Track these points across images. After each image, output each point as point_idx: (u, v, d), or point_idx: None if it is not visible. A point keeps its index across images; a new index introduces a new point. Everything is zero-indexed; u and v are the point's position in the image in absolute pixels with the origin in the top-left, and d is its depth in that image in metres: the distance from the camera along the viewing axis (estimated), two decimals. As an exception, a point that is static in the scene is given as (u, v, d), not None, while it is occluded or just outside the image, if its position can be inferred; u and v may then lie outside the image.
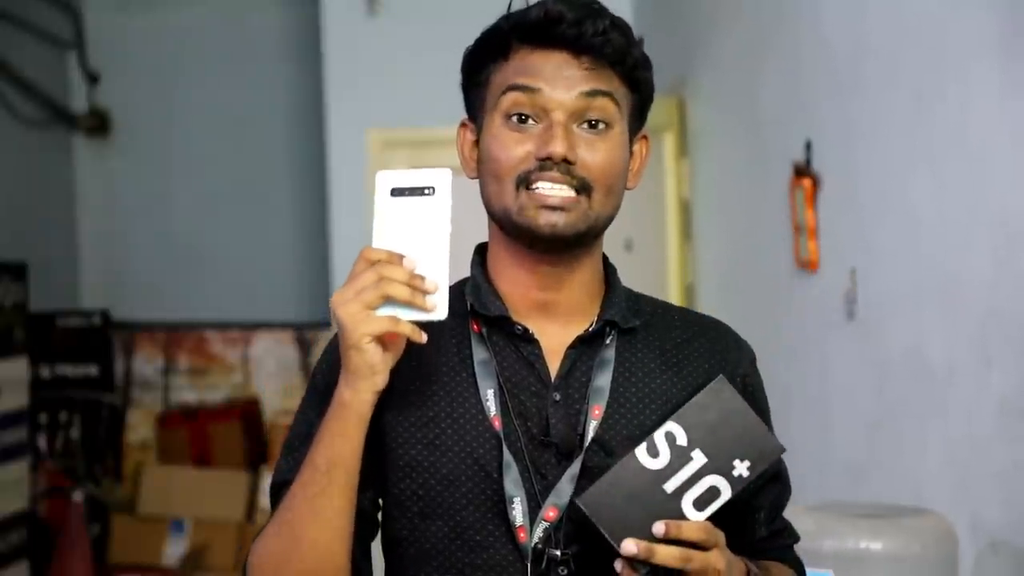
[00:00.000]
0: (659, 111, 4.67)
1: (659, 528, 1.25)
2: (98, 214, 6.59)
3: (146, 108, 6.52)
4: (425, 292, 1.24)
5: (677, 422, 1.28)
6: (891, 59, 2.67)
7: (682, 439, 1.27)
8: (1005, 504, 2.22)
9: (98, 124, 6.51)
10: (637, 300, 1.48)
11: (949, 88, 2.40)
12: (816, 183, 3.10)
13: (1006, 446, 2.21)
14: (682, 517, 1.26)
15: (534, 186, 1.35)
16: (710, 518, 1.29)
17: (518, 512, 1.34)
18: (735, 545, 1.43)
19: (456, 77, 1.46)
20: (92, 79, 6.49)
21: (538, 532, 1.34)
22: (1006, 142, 2.19)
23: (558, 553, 1.34)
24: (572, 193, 1.35)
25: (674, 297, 4.65)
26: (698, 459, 1.27)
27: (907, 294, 2.61)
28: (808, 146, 3.15)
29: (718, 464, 1.28)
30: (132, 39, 6.47)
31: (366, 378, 1.25)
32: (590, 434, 1.36)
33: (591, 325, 1.42)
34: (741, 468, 1.28)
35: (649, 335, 1.45)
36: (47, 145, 6.37)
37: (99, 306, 6.29)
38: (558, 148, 1.33)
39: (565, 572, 1.35)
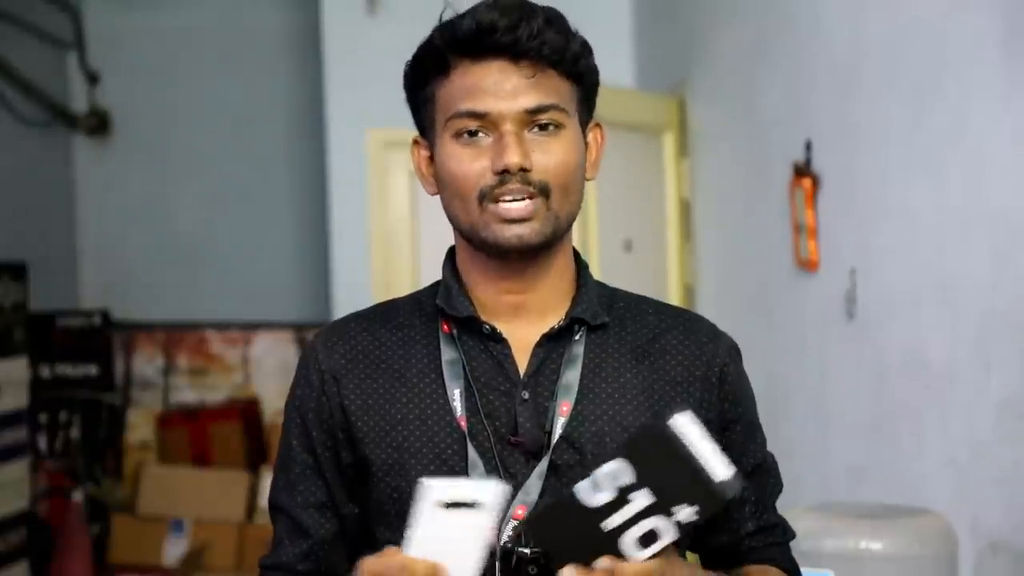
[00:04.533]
0: (659, 111, 4.69)
1: (602, 563, 1.23)
2: (98, 214, 6.60)
3: (146, 108, 6.52)
4: None
5: (622, 461, 1.23)
6: (891, 59, 2.67)
7: (625, 478, 1.23)
8: (1005, 505, 2.22)
9: (98, 124, 6.51)
10: (611, 296, 1.48)
11: (949, 88, 2.40)
12: (816, 183, 3.10)
13: (1006, 447, 2.21)
14: (620, 554, 1.24)
15: (497, 201, 1.35)
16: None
17: None
18: (721, 542, 1.43)
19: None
20: (92, 79, 6.49)
21: (506, 530, 1.34)
22: (1006, 142, 2.19)
23: (527, 551, 1.34)
24: (533, 201, 1.35)
25: (674, 297, 4.65)
26: (641, 500, 1.23)
27: (907, 294, 2.61)
28: (808, 146, 3.15)
29: (661, 507, 1.23)
30: (132, 39, 6.47)
31: None
32: (558, 431, 1.36)
33: (558, 322, 1.41)
34: (686, 512, 1.23)
35: (622, 330, 1.44)
36: (47, 145, 6.37)
37: (99, 306, 6.29)
38: (513, 158, 1.33)
39: (535, 571, 1.35)
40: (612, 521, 1.24)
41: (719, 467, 1.24)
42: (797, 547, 2.11)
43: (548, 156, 1.35)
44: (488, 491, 1.21)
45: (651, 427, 1.26)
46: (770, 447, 1.48)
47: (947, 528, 2.19)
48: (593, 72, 1.41)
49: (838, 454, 3.03)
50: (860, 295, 2.85)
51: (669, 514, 1.24)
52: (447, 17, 1.39)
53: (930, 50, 2.48)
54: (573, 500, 1.25)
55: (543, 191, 1.35)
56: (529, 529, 1.29)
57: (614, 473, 1.24)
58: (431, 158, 1.42)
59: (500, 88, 1.34)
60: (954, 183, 2.38)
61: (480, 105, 1.35)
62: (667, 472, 1.23)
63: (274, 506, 1.45)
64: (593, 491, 1.25)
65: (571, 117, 1.38)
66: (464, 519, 1.21)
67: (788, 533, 1.49)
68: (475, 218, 1.37)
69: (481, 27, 1.34)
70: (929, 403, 2.51)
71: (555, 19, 1.36)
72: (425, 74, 1.40)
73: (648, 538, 1.24)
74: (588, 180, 1.43)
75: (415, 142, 1.45)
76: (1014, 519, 2.19)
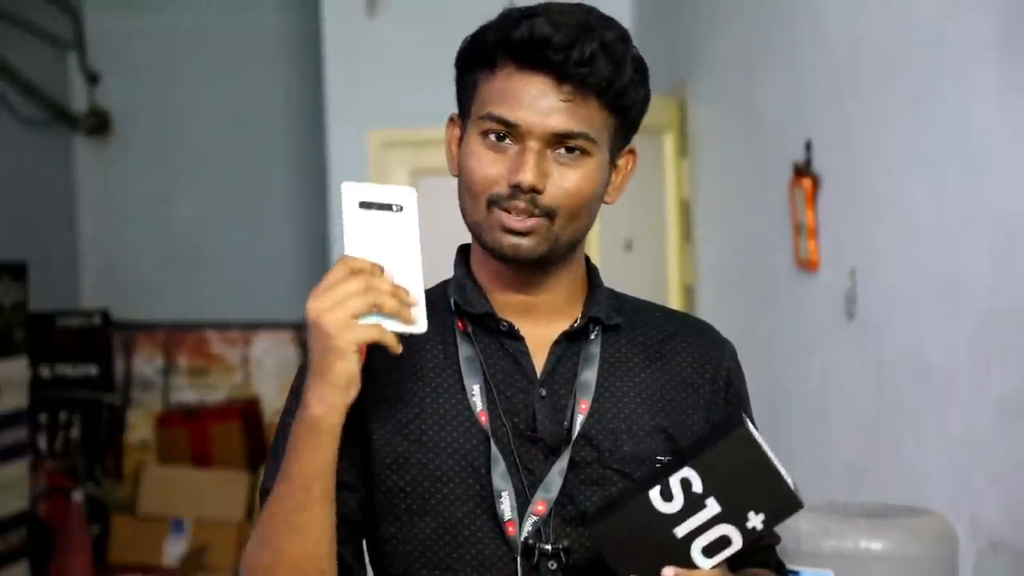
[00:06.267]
0: (659, 111, 4.68)
1: (668, 573, 1.25)
2: (98, 214, 6.60)
3: (146, 108, 6.53)
4: (408, 304, 1.24)
5: (694, 468, 1.25)
6: (890, 59, 2.67)
7: (697, 486, 1.25)
8: (1005, 504, 2.22)
9: (98, 124, 6.51)
10: (619, 299, 1.50)
11: (948, 88, 2.40)
12: (816, 183, 3.10)
13: (1006, 446, 2.21)
14: (690, 562, 1.26)
15: (501, 209, 1.35)
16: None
17: (506, 506, 1.35)
18: None
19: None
20: (92, 79, 6.49)
21: (527, 526, 1.35)
22: (1006, 142, 2.19)
23: (548, 547, 1.35)
24: (535, 220, 1.35)
25: (674, 297, 4.65)
26: (712, 507, 1.25)
27: (907, 294, 2.61)
28: (808, 146, 3.15)
29: (732, 514, 1.25)
30: (132, 39, 6.48)
31: (341, 390, 1.23)
32: (577, 428, 1.37)
33: (576, 321, 1.43)
34: (755, 520, 1.25)
35: (633, 331, 1.46)
36: (47, 145, 6.37)
37: (99, 306, 6.29)
38: (527, 177, 1.33)
39: (555, 566, 1.35)
40: (685, 527, 1.26)
41: (788, 476, 1.26)
42: (797, 547, 2.11)
43: (564, 181, 1.35)
44: (405, 194, 1.26)
45: (731, 432, 1.26)
46: (770, 447, 1.49)
47: (947, 528, 2.18)
48: (639, 104, 1.40)
49: (838, 454, 3.03)
50: (860, 295, 2.85)
51: (741, 521, 1.25)
52: (504, 16, 1.37)
53: (929, 50, 2.48)
54: (647, 504, 1.26)
55: (547, 214, 1.35)
56: (596, 531, 1.28)
57: (685, 480, 1.25)
58: (461, 139, 1.42)
59: (536, 104, 1.34)
60: (954, 182, 2.38)
61: (511, 115, 1.34)
62: (740, 479, 1.25)
63: (266, 491, 1.39)
64: (664, 498, 1.26)
65: (599, 147, 1.37)
66: (389, 221, 1.25)
67: (775, 536, 1.50)
68: (480, 219, 1.38)
69: (534, 39, 1.33)
70: (929, 403, 2.51)
71: (612, 45, 1.34)
72: (473, 62, 1.39)
73: (716, 546, 1.26)
74: (607, 203, 1.44)
75: (451, 119, 1.45)
76: (1014, 518, 2.19)
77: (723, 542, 1.26)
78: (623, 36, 1.37)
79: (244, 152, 6.48)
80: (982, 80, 2.26)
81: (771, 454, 1.26)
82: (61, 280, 6.39)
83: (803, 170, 3.17)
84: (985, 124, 2.26)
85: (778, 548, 1.52)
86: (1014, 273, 2.16)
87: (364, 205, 1.24)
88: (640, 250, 4.64)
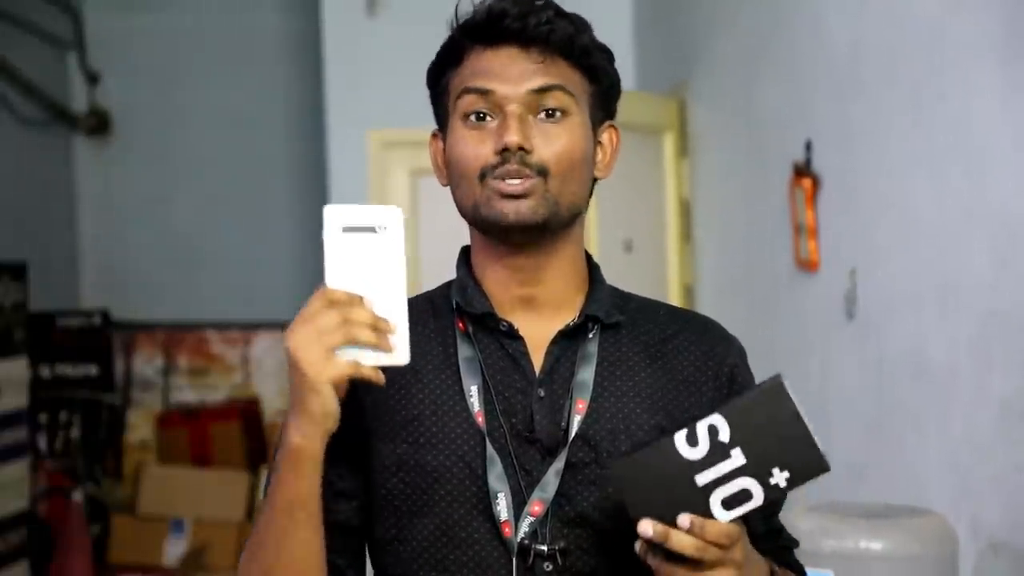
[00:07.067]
0: (659, 111, 4.69)
1: (684, 521, 1.23)
2: (98, 214, 6.60)
3: (146, 108, 6.53)
4: (388, 334, 1.22)
5: (724, 416, 1.22)
6: (891, 59, 2.67)
7: (724, 435, 1.22)
8: (1005, 505, 2.22)
9: (98, 124, 6.51)
10: (623, 297, 1.50)
11: (949, 88, 2.40)
12: (816, 183, 3.11)
13: (1007, 447, 2.21)
14: (708, 513, 1.23)
15: (495, 178, 1.37)
16: None
17: (503, 507, 1.34)
18: None
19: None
20: (92, 79, 6.50)
21: (524, 527, 1.34)
22: (1006, 142, 2.19)
23: (544, 548, 1.34)
24: (530, 180, 1.36)
25: (674, 297, 4.65)
26: (737, 458, 1.22)
27: (907, 294, 2.61)
28: (808, 146, 3.15)
29: (756, 468, 1.22)
30: (132, 39, 6.48)
31: (319, 423, 1.23)
32: (574, 429, 1.37)
33: (573, 320, 1.42)
34: (779, 477, 1.22)
35: (634, 330, 1.45)
36: (47, 145, 6.37)
37: (99, 306, 6.29)
38: (513, 137, 1.35)
39: (550, 567, 1.35)
40: (707, 475, 1.23)
41: (818, 437, 1.23)
42: (798, 547, 2.11)
43: (550, 141, 1.37)
44: (389, 214, 1.23)
45: (766, 384, 1.24)
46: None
47: (947, 528, 2.19)
48: (609, 75, 1.43)
49: (838, 454, 3.02)
50: (860, 295, 2.86)
51: (765, 477, 1.23)
52: (463, 12, 1.42)
53: (930, 50, 2.48)
54: (671, 448, 1.23)
55: (541, 172, 1.36)
56: (616, 469, 1.27)
57: (712, 428, 1.23)
58: (445, 150, 1.44)
59: (507, 71, 1.38)
60: (954, 183, 2.38)
61: (487, 83, 1.37)
62: (769, 432, 1.22)
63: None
64: (689, 443, 1.23)
65: (579, 105, 1.40)
66: (372, 244, 1.23)
67: (792, 540, 1.50)
68: (477, 196, 1.38)
69: (492, 14, 1.38)
70: (929, 403, 2.51)
71: (570, 16, 1.40)
72: (442, 68, 1.43)
73: (736, 499, 1.23)
74: (599, 178, 1.45)
75: (433, 135, 1.47)
76: (1014, 519, 2.19)
77: (744, 496, 1.23)
78: (583, 21, 1.42)
79: (244, 153, 6.48)
80: (984, 80, 2.26)
81: (803, 412, 1.23)
82: (61, 280, 6.39)
83: (803, 170, 3.17)
84: (986, 124, 2.26)
85: (779, 548, 1.52)
86: (1015, 273, 2.16)
87: (347, 229, 1.23)
88: (640, 250, 4.64)
